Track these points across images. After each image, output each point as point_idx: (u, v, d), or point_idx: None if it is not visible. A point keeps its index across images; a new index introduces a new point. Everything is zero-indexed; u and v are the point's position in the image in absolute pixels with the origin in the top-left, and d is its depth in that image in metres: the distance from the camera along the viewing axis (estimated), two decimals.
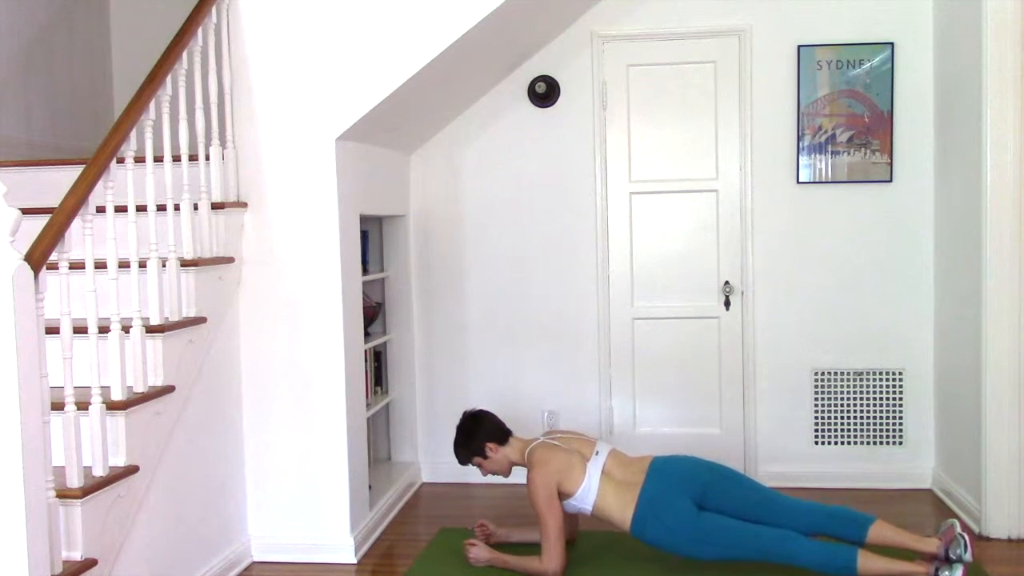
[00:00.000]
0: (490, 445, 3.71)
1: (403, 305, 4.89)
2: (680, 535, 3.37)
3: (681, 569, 3.60)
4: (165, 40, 3.48)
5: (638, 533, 3.45)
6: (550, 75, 4.73)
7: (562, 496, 3.51)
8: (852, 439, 4.67)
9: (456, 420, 3.85)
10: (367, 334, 4.42)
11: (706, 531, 3.35)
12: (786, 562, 3.29)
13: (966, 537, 3.17)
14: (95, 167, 2.92)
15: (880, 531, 3.31)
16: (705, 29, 4.63)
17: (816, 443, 4.68)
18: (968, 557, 3.14)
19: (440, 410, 4.89)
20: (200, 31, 3.55)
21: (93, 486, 2.75)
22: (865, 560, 3.20)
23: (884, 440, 4.65)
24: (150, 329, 3.16)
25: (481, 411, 3.84)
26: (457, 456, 3.80)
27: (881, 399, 4.64)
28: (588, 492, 3.50)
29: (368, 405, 4.32)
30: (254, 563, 3.85)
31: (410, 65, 3.68)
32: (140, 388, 3.08)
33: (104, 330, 2.95)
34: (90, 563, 2.70)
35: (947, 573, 3.14)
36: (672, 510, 3.39)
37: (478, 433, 3.73)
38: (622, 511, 3.46)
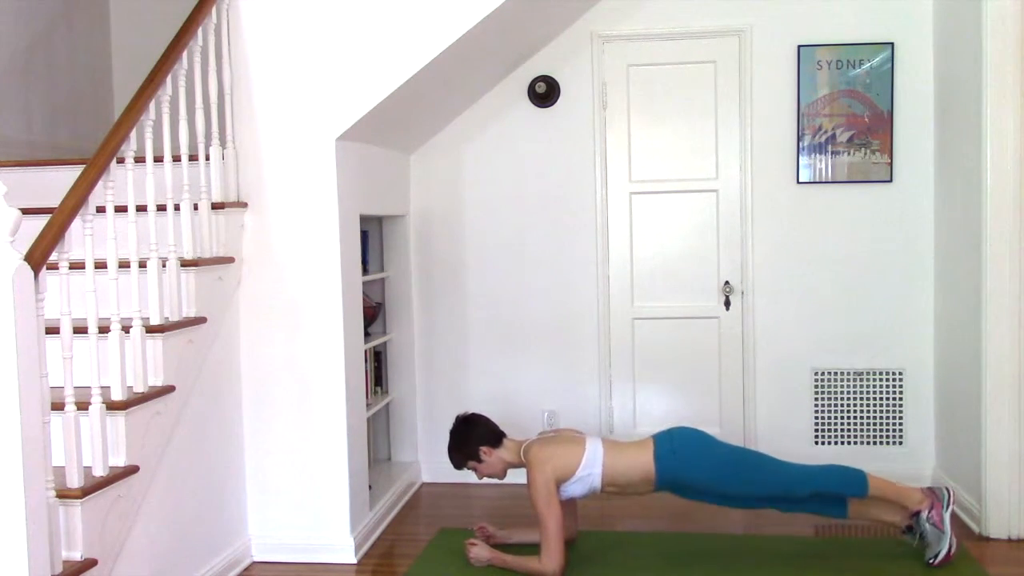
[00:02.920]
0: (484, 448, 3.70)
1: (403, 305, 4.89)
2: (709, 457, 3.54)
3: (680, 570, 3.60)
4: (165, 40, 3.47)
5: (664, 465, 3.50)
6: (550, 75, 4.73)
7: (567, 477, 3.52)
8: (852, 439, 4.67)
9: None
10: (367, 334, 4.42)
11: (731, 452, 3.62)
12: (801, 487, 3.51)
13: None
14: (95, 167, 2.92)
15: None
16: (705, 29, 4.63)
17: (816, 443, 4.68)
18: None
19: (440, 410, 4.88)
20: (200, 31, 3.55)
21: (93, 486, 2.75)
22: (873, 479, 3.52)
23: (884, 440, 4.65)
24: (150, 329, 3.16)
25: (473, 414, 3.84)
26: (452, 461, 3.80)
27: (881, 399, 4.64)
28: (595, 456, 3.54)
29: (368, 405, 4.32)
30: (254, 563, 3.85)
31: (410, 65, 3.68)
32: (140, 388, 3.08)
33: (104, 330, 2.95)
34: (90, 563, 2.70)
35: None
36: (693, 439, 3.60)
37: (471, 437, 3.73)
38: (638, 455, 3.55)
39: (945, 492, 3.55)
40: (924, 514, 3.52)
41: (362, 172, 4.09)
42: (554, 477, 3.51)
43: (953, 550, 3.48)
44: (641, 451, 3.56)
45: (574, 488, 3.56)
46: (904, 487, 3.59)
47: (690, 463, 3.53)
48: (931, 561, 3.49)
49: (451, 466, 3.83)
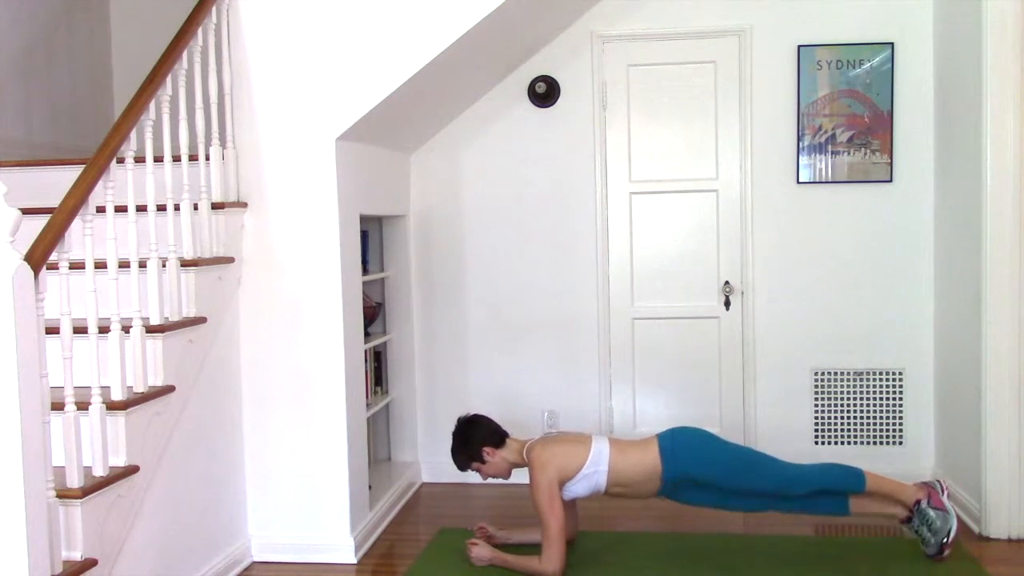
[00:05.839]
0: (487, 449, 3.71)
1: (403, 305, 4.89)
2: (712, 453, 3.58)
3: (680, 570, 3.60)
4: (165, 40, 3.47)
5: (670, 461, 3.52)
6: (550, 75, 4.73)
7: (571, 476, 3.52)
8: (852, 439, 4.67)
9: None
10: (367, 334, 4.42)
11: (732, 449, 3.67)
12: (801, 483, 3.53)
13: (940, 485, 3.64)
14: (95, 167, 2.92)
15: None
16: (705, 29, 4.63)
17: (816, 443, 4.68)
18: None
19: (440, 410, 4.89)
20: (200, 31, 3.55)
21: (93, 486, 2.75)
22: (870, 474, 3.58)
23: (884, 440, 4.65)
24: (150, 329, 3.16)
25: (476, 415, 3.84)
26: (456, 463, 3.80)
27: (881, 399, 4.64)
28: (600, 455, 3.54)
29: (368, 405, 4.32)
30: (254, 563, 3.85)
31: (410, 65, 3.68)
32: (140, 388, 3.08)
33: (104, 330, 2.95)
34: (90, 563, 2.70)
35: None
36: (696, 437, 3.63)
37: (474, 438, 3.73)
38: (643, 453, 3.56)
39: (937, 483, 3.64)
40: (924, 503, 3.57)
41: (362, 172, 4.09)
42: (557, 477, 3.51)
43: (955, 530, 3.53)
44: (646, 449, 3.58)
45: (578, 487, 3.56)
46: (900, 483, 3.64)
47: (694, 459, 3.55)
48: (944, 542, 3.51)
49: (453, 467, 3.83)
